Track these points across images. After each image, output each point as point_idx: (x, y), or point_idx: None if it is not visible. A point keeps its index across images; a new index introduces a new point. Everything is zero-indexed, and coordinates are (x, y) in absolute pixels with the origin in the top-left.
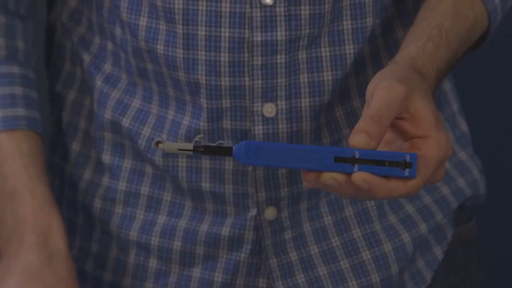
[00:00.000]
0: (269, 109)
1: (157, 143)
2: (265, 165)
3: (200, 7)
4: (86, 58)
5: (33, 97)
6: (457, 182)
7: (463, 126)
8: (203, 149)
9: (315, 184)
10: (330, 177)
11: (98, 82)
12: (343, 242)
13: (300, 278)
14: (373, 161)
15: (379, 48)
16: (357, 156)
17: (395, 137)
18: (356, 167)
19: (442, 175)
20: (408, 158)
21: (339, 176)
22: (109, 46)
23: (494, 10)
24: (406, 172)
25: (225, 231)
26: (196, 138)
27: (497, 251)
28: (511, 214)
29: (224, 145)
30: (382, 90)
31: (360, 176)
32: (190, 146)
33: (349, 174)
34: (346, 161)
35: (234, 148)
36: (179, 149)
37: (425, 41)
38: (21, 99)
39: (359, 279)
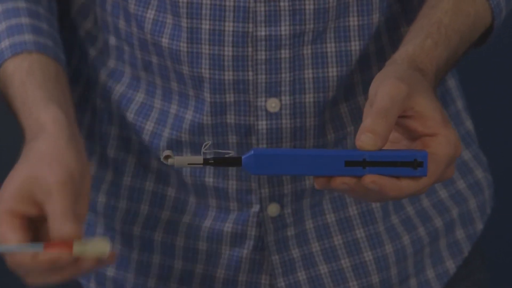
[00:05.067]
0: (273, 104)
1: (167, 157)
2: (275, 174)
3: (204, 1)
4: (92, 53)
5: (42, 27)
6: (456, 184)
7: (468, 124)
8: (213, 161)
9: (326, 187)
10: (341, 182)
11: (103, 76)
12: (346, 241)
13: (301, 275)
14: (383, 163)
15: (384, 45)
16: (367, 159)
17: (401, 136)
18: (366, 169)
19: (452, 172)
20: (418, 157)
21: (349, 180)
22: (112, 40)
23: (497, 6)
24: (417, 171)
25: (228, 227)
26: (203, 149)
27: (501, 249)
28: None
29: (233, 156)
30: (385, 87)
31: (370, 179)
32: (200, 159)
33: (360, 176)
34: (356, 165)
35: (243, 158)
36: (189, 164)
37: (423, 39)
38: (28, 27)
39: (359, 279)
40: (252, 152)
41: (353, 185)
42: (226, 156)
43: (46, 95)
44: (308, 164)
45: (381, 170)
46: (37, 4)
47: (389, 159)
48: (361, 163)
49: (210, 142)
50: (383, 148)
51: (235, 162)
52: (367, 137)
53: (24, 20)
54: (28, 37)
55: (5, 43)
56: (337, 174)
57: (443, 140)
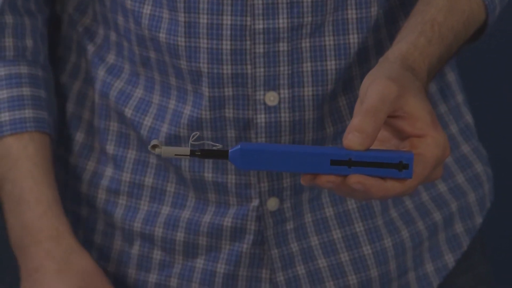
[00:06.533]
0: (271, 98)
1: (154, 146)
2: (261, 169)
3: None
4: (91, 48)
5: (41, 96)
6: (456, 178)
7: (468, 118)
8: (199, 153)
9: (311, 184)
10: (326, 180)
11: (101, 72)
12: (344, 235)
13: (300, 270)
14: (369, 163)
15: (383, 38)
16: (353, 159)
17: (390, 136)
18: (352, 169)
19: (439, 174)
20: (404, 159)
21: (335, 179)
22: (113, 36)
23: (491, 3)
24: (402, 173)
25: (228, 221)
26: (191, 141)
27: (502, 242)
28: None
29: (220, 149)
30: (376, 86)
31: (355, 179)
32: (187, 150)
33: (345, 175)
34: (342, 164)
35: (229, 152)
36: (176, 154)
37: (417, 36)
38: (29, 100)
39: (358, 273)
40: (239, 146)
41: (338, 183)
42: (214, 148)
43: (58, 197)
44: (294, 161)
45: (367, 170)
46: (36, 64)
47: (375, 159)
48: (347, 163)
49: (198, 133)
50: (372, 146)
51: (222, 155)
52: (355, 136)
53: (25, 90)
54: (28, 113)
55: (5, 116)
56: (323, 172)
57: (431, 141)
